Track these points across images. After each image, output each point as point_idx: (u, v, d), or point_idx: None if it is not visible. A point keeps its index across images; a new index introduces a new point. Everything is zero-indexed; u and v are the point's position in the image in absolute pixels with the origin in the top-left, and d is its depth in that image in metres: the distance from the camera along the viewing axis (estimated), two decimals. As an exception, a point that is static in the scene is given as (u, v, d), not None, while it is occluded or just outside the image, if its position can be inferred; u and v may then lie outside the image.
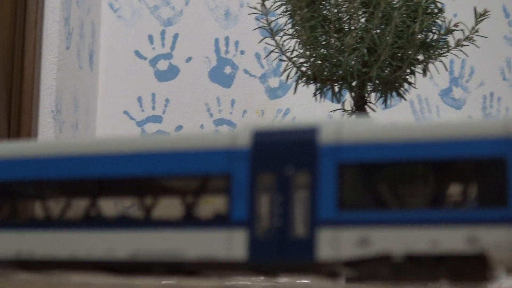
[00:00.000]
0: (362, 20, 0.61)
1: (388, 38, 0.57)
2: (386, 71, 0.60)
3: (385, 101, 0.65)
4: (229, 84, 1.38)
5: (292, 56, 0.66)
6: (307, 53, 0.62)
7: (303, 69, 0.65)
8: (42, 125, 1.28)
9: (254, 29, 0.73)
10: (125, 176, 0.32)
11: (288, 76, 0.64)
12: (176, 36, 1.40)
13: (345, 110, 0.66)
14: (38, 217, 0.34)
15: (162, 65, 1.42)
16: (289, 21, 0.66)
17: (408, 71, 0.64)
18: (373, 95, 0.66)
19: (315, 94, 0.65)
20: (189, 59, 1.38)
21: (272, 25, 0.68)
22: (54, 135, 1.27)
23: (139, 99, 1.43)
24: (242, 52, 1.37)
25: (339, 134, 0.29)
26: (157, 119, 1.38)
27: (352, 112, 0.67)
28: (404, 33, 0.61)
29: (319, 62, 0.64)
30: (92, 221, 0.33)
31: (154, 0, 1.42)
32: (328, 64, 0.61)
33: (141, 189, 0.32)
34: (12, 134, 1.26)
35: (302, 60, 0.65)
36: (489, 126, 0.27)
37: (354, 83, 0.62)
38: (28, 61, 1.27)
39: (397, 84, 0.65)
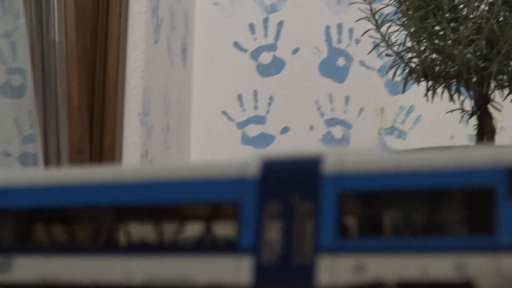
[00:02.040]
0: (482, 6, 0.64)
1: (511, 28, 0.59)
2: (510, 66, 0.62)
3: (514, 99, 0.66)
4: (343, 79, 1.40)
5: (399, 50, 0.70)
6: (416, 46, 0.66)
7: (412, 65, 0.69)
8: (127, 129, 1.35)
9: (357, 21, 0.77)
10: (142, 204, 0.39)
11: (395, 73, 0.67)
12: (280, 24, 1.44)
13: (463, 110, 0.69)
14: (62, 243, 0.41)
15: (265, 58, 1.46)
16: (396, 11, 0.70)
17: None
18: (497, 92, 0.67)
19: (426, 93, 0.68)
20: (296, 51, 1.42)
21: (377, 15, 0.72)
22: (141, 140, 1.34)
23: (239, 97, 1.47)
24: (357, 41, 1.38)
25: (341, 164, 0.34)
26: (259, 119, 1.43)
27: (473, 112, 0.68)
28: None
29: (430, 56, 0.67)
30: (112, 247, 0.39)
31: (255, -16, 1.51)
32: (440, 59, 0.65)
33: (156, 217, 0.39)
34: (95, 139, 1.34)
35: (410, 54, 0.69)
36: (480, 156, 0.31)
37: (472, 80, 0.65)
38: (111, 58, 1.33)
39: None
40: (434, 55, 0.67)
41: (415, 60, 0.68)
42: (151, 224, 0.39)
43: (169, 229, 0.39)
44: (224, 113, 1.46)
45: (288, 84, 1.41)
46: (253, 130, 1.42)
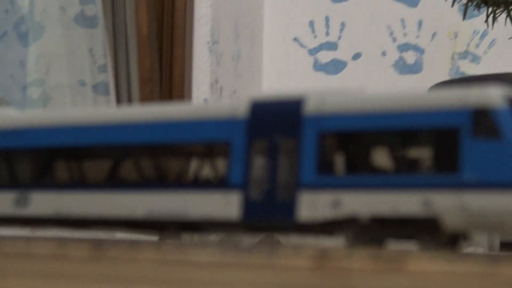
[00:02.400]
0: None
1: None
2: None
3: None
4: (415, 3, 1.40)
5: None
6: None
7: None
8: (196, 58, 1.42)
9: None
10: (142, 143, 0.42)
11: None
12: None
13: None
14: (75, 180, 0.45)
15: (337, -17, 1.53)
16: None
17: None
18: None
19: (486, 20, 0.72)
20: (366, -26, 1.47)
21: None
22: (211, 68, 1.41)
23: (311, 23, 1.51)
24: (428, -35, 1.41)
25: (322, 105, 0.37)
26: (331, 46, 1.45)
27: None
28: None
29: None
30: (116, 184, 0.43)
31: None
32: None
33: (155, 155, 0.42)
34: (165, 67, 1.41)
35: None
36: (448, 97, 0.33)
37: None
38: (179, -14, 1.49)
39: None
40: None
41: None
42: (150, 162, 0.43)
43: (166, 167, 0.42)
44: (296, 40, 1.49)
45: (360, 9, 1.41)
46: (325, 57, 1.44)
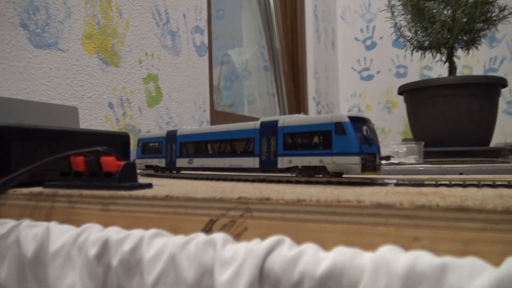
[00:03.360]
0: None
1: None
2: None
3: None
4: None
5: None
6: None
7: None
8: (309, 81, 3.23)
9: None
10: (221, 139, 0.87)
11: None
12: None
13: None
14: (204, 154, 0.92)
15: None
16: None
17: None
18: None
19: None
20: None
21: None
22: (314, 84, 3.17)
23: (358, 61, 2.82)
24: None
25: (284, 122, 0.74)
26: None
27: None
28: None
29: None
30: (219, 154, 0.87)
31: None
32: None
33: (225, 143, 0.86)
34: (296, 86, 3.13)
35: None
36: (326, 117, 0.68)
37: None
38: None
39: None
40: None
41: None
42: (230, 146, 0.86)
43: (229, 147, 0.87)
44: (352, 68, 2.59)
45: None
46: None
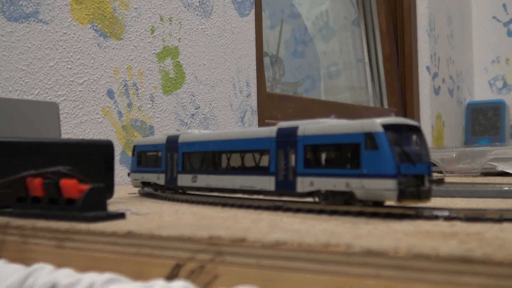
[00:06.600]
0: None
1: None
2: None
3: None
4: None
5: None
6: None
7: None
8: (420, 41, 3.19)
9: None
10: (229, 151, 0.90)
11: None
12: None
13: None
14: (210, 170, 0.96)
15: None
16: None
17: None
18: None
19: None
20: None
21: None
22: (430, 46, 3.15)
23: (504, 5, 2.96)
24: None
25: (304, 131, 0.75)
26: None
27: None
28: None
29: None
30: (219, 171, 0.90)
31: None
32: None
33: (235, 156, 0.87)
34: (400, 51, 3.25)
35: None
36: (354, 125, 0.70)
37: None
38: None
39: None
40: None
41: None
42: (233, 159, 0.87)
43: (240, 161, 0.85)
44: (494, 17, 2.93)
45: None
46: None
